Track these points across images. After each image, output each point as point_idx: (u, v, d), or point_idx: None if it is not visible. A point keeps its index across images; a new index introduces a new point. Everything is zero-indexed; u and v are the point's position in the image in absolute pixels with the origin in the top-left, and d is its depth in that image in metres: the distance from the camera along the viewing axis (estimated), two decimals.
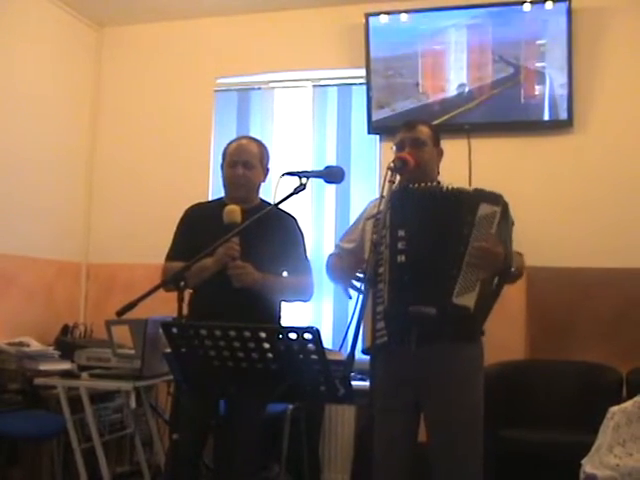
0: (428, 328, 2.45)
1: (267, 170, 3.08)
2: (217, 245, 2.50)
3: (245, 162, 2.97)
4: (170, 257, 2.99)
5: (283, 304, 3.03)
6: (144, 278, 3.32)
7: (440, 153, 2.75)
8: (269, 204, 2.69)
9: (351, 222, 2.94)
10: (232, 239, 2.63)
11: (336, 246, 2.92)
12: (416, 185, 2.55)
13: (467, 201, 2.49)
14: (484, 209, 2.45)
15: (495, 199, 2.48)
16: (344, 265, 2.70)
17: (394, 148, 2.68)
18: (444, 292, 2.39)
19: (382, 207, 2.41)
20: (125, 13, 4.90)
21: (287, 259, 2.96)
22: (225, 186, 3.05)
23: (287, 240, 2.98)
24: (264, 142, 3.15)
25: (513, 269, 2.50)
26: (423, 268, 2.44)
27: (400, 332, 2.45)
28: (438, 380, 2.51)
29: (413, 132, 2.67)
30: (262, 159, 3.04)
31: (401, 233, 2.46)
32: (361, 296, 2.17)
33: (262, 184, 3.07)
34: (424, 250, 2.45)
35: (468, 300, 2.37)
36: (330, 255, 2.90)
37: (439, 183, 2.64)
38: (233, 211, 2.72)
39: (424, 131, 2.69)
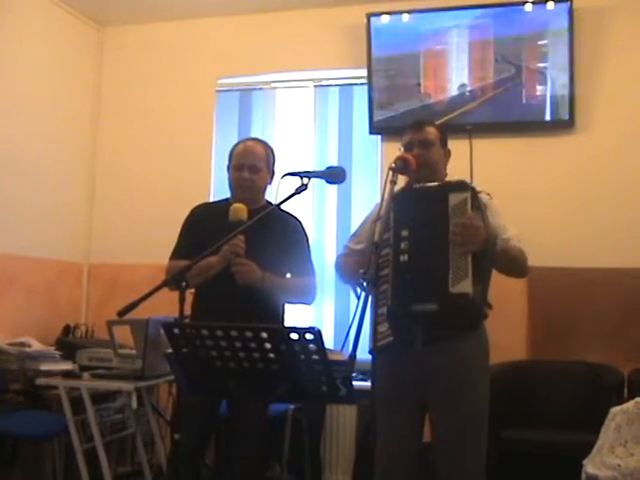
0: (434, 325, 2.45)
1: (273, 172, 3.07)
2: (221, 243, 2.49)
3: (251, 165, 2.96)
4: (174, 256, 2.99)
5: (286, 305, 3.02)
6: (146, 278, 3.33)
7: (447, 154, 2.75)
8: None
9: (353, 223, 2.95)
10: (237, 236, 2.62)
11: (345, 247, 2.89)
12: (418, 185, 2.56)
13: (436, 195, 2.49)
14: (454, 198, 2.44)
15: (461, 186, 2.47)
16: (353, 262, 2.68)
17: (402, 149, 2.68)
18: (440, 285, 2.38)
19: (383, 208, 2.41)
20: (126, 13, 4.91)
21: (290, 260, 2.95)
22: (231, 188, 3.03)
23: (291, 241, 2.97)
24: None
25: (498, 247, 2.48)
26: (421, 266, 2.43)
27: (405, 332, 2.45)
28: (443, 381, 2.51)
29: (421, 133, 2.67)
30: (268, 161, 3.03)
31: (404, 233, 2.46)
32: (362, 297, 2.16)
33: (268, 186, 3.06)
34: (420, 248, 2.46)
35: (465, 286, 2.35)
36: (339, 256, 2.89)
37: None
38: (239, 209, 2.72)
39: (432, 132, 2.70)
